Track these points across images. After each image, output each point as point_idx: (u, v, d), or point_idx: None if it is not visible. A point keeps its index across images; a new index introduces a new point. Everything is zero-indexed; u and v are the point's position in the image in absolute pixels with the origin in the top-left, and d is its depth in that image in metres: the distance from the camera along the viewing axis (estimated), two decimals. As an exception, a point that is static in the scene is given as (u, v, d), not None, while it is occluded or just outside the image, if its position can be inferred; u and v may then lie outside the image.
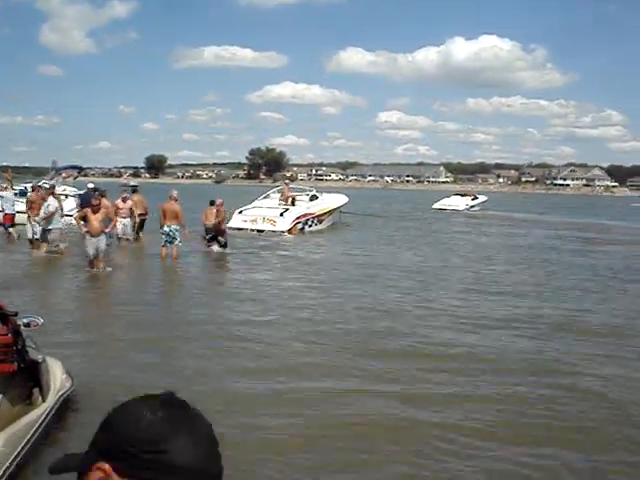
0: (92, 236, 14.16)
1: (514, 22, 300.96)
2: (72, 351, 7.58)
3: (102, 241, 14.40)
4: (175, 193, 16.96)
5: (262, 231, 24.04)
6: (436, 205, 48.05)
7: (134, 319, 9.92)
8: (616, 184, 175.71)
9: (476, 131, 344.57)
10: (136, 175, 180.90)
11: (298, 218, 25.23)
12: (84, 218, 14.60)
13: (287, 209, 25.47)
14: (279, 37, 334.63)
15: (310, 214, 26.17)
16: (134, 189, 22.29)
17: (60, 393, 5.73)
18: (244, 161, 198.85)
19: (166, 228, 16.49)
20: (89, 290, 13.45)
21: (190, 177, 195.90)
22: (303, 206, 26.47)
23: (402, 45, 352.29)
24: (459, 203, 47.49)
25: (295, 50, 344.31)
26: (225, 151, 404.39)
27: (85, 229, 14.38)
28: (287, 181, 29.43)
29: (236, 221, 24.25)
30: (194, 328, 9.47)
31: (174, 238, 16.47)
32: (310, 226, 25.97)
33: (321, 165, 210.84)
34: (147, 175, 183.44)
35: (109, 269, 14.46)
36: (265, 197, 27.84)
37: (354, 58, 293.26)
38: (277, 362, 7.85)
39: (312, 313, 10.69)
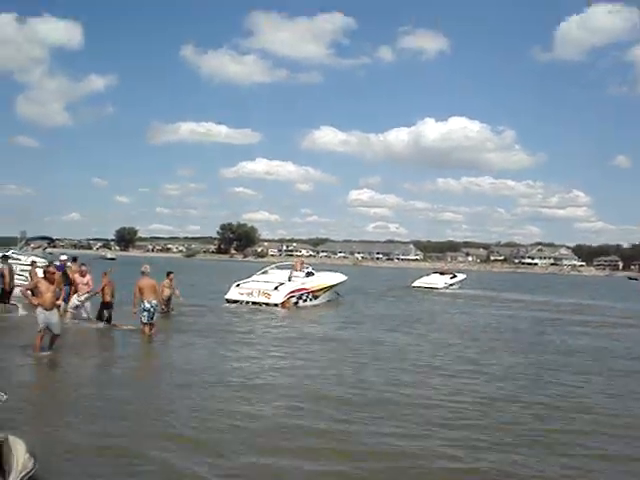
0: (45, 309, 12.75)
1: (483, 104, 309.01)
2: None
3: (55, 315, 13.08)
4: (147, 268, 16.65)
5: (257, 303, 24.86)
6: (416, 283, 47.72)
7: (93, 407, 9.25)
8: (583, 263, 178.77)
9: (446, 210, 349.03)
10: (106, 247, 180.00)
11: (292, 292, 25.92)
12: (33, 290, 13.11)
13: (282, 283, 26.11)
14: (254, 115, 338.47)
15: (305, 289, 26.88)
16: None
17: (22, 474, 5.46)
18: (215, 236, 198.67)
19: (147, 304, 16.04)
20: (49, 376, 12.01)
21: (160, 250, 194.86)
22: (298, 281, 27.04)
23: (374, 125, 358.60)
24: (438, 281, 47.26)
25: (269, 128, 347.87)
26: (197, 225, 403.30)
27: (36, 302, 12.83)
28: (302, 259, 30.79)
29: (233, 293, 25.72)
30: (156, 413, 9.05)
31: (154, 314, 16.24)
32: (305, 301, 26.69)
33: (292, 241, 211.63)
34: (117, 247, 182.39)
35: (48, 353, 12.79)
36: (263, 272, 28.58)
37: (327, 137, 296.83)
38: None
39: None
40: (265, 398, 10.11)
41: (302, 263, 29.84)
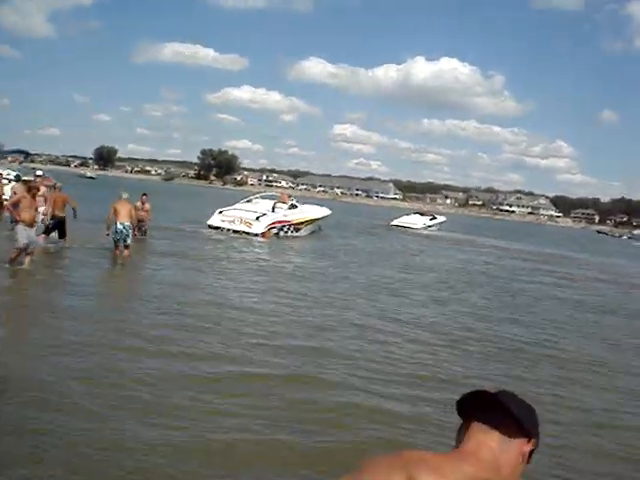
0: (27, 225, 12.73)
1: (475, 47, 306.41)
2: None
3: (34, 232, 13.12)
4: (126, 195, 16.40)
5: (238, 232, 24.96)
6: (395, 222, 48.00)
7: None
8: (560, 214, 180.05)
9: (428, 151, 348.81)
10: (84, 165, 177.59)
11: (273, 223, 26.04)
12: (16, 205, 13.06)
13: (264, 214, 26.01)
14: (242, 40, 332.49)
15: (286, 221, 26.98)
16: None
17: None
18: (195, 161, 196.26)
19: (119, 225, 15.54)
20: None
21: (139, 172, 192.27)
22: (280, 213, 27.03)
23: (363, 60, 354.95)
24: (417, 222, 47.45)
25: (257, 55, 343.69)
26: (177, 149, 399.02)
27: (18, 217, 12.82)
28: (289, 192, 30.54)
29: (215, 220, 25.75)
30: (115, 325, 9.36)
31: (127, 236, 15.64)
32: (286, 233, 26.82)
33: (272, 171, 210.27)
34: (95, 166, 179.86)
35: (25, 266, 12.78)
36: (247, 201, 28.50)
37: (316, 68, 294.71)
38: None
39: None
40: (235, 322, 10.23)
41: (289, 196, 29.89)
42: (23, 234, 12.63)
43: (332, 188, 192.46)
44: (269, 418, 6.31)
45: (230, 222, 25.48)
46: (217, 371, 7.67)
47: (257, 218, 25.54)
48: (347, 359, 8.77)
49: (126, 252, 15.68)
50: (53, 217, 16.56)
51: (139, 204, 19.67)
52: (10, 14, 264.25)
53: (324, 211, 31.39)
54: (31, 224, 12.89)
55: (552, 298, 17.88)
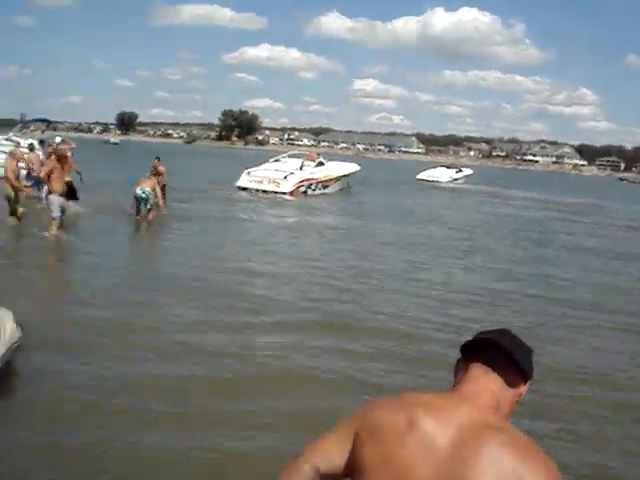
0: (60, 195, 12.77)
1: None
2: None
3: (65, 201, 13.13)
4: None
5: (266, 191, 25.16)
6: (420, 176, 47.75)
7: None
8: (585, 163, 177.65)
9: (450, 103, 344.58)
10: (106, 131, 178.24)
11: (301, 182, 26.19)
12: (49, 175, 12.99)
13: (292, 172, 26.12)
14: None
15: (314, 179, 27.15)
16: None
17: (10, 344, 5.55)
18: (216, 122, 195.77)
19: (139, 191, 15.28)
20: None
21: (161, 135, 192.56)
22: (307, 171, 27.07)
23: (382, 13, 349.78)
24: (443, 175, 47.20)
25: (275, 12, 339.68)
26: (197, 111, 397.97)
27: (51, 188, 12.84)
28: (317, 151, 30.60)
29: (243, 181, 25.95)
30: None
31: (147, 200, 15.32)
32: (314, 190, 27.01)
33: (294, 130, 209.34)
34: (118, 132, 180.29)
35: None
36: (275, 160, 28.59)
37: (334, 23, 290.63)
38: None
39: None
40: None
41: (318, 154, 30.00)
42: (59, 202, 12.80)
43: (354, 144, 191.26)
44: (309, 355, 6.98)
45: (258, 182, 25.67)
46: (252, 321, 8.18)
47: (285, 177, 25.74)
48: (374, 313, 9.01)
49: (150, 216, 15.54)
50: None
51: (151, 168, 18.09)
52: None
53: (352, 167, 31.40)
54: (62, 193, 13.08)
55: (583, 248, 17.90)
